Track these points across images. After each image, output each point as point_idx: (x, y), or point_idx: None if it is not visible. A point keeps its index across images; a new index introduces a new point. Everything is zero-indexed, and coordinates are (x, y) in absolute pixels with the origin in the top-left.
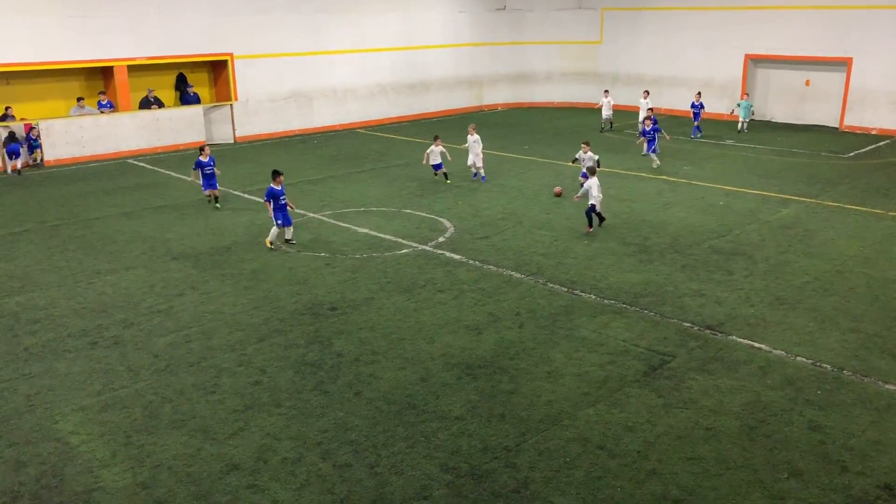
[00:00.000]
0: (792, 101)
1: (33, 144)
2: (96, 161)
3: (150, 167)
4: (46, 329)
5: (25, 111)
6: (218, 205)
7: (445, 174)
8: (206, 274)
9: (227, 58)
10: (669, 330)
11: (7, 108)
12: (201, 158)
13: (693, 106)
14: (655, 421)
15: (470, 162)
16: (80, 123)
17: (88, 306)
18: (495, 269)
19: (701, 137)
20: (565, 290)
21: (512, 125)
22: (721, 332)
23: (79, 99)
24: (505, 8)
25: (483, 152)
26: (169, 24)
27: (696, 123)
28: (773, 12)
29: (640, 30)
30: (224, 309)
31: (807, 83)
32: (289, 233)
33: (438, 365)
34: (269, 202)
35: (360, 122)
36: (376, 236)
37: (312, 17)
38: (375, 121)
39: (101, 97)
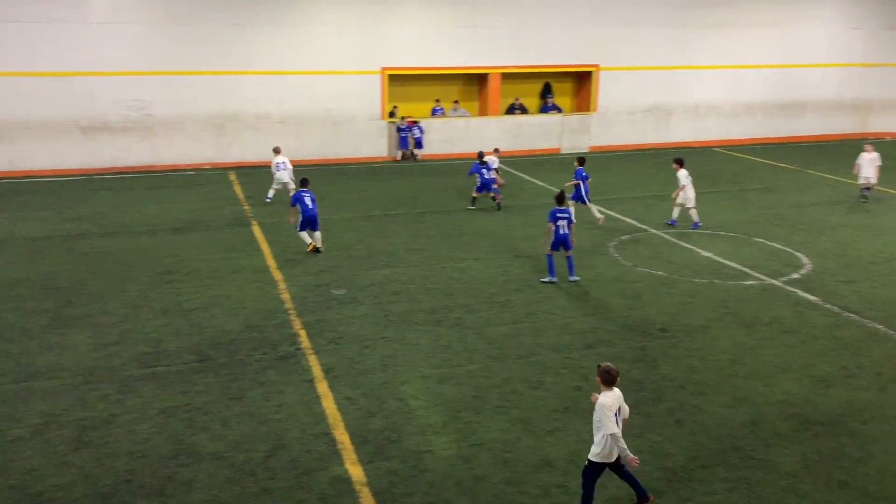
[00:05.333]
0: None
1: (416, 139)
2: (462, 159)
3: (508, 169)
4: (403, 301)
5: (407, 110)
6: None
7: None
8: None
9: (593, 69)
10: None
11: (394, 108)
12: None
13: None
14: None
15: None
16: (454, 124)
17: (439, 287)
18: (857, 318)
19: None
20: None
21: None
22: None
23: (455, 102)
24: None
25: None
26: (542, 36)
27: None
28: None
29: None
30: (556, 311)
31: None
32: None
33: (774, 411)
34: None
35: (719, 141)
36: (720, 262)
37: (682, 31)
38: (735, 140)
39: (455, 105)
